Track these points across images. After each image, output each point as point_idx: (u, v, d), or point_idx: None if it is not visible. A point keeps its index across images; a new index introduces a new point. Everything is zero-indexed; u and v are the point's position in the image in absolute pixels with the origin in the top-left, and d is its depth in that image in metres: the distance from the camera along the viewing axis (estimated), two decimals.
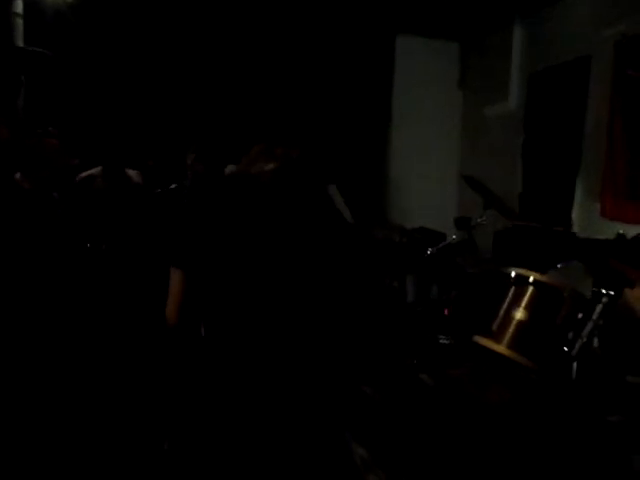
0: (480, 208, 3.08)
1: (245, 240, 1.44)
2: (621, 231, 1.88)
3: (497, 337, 2.13)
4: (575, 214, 3.85)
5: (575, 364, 1.95)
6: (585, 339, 1.84)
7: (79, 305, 2.45)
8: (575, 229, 3.81)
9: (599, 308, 1.81)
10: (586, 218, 3.76)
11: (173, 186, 2.96)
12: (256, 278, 1.43)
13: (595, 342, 1.85)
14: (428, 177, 4.83)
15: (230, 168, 2.59)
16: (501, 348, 2.10)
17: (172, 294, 1.50)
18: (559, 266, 3.17)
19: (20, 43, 3.76)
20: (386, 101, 4.93)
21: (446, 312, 3.36)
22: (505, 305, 2.17)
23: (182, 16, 4.25)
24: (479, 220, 3.03)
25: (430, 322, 3.29)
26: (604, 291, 1.82)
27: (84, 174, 3.12)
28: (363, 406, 2.48)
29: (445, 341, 3.03)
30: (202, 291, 1.49)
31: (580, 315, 1.94)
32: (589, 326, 1.81)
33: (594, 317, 1.81)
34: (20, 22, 3.82)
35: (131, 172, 3.21)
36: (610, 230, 2.40)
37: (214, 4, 4.18)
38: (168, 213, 2.60)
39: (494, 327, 2.15)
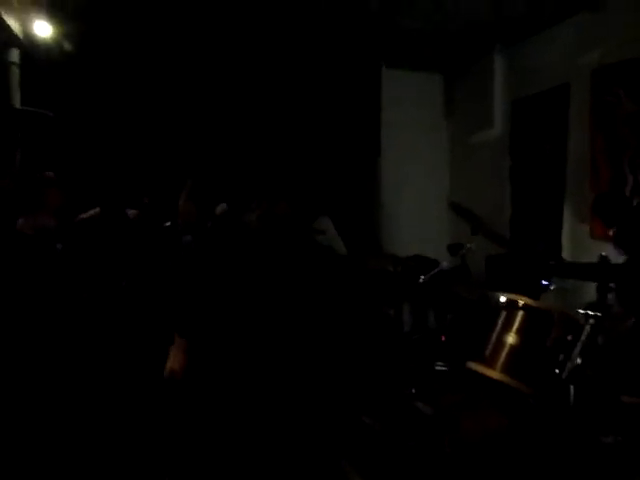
0: (468, 234, 3.14)
1: (243, 290, 1.47)
2: (604, 253, 1.92)
3: (490, 362, 2.15)
4: (565, 237, 3.91)
5: (572, 387, 1.97)
6: (575, 361, 1.86)
7: (81, 352, 2.45)
8: (565, 252, 3.87)
9: (587, 330, 1.84)
10: (576, 240, 3.81)
11: (168, 224, 3.00)
12: (258, 330, 1.46)
13: (584, 363, 1.87)
14: (419, 205, 4.91)
15: (221, 207, 2.64)
16: (494, 373, 2.11)
17: (176, 357, 1.53)
18: (551, 288, 3.21)
19: (16, 92, 3.84)
20: (374, 132, 5.04)
21: (443, 339, 3.38)
22: (497, 330, 2.19)
23: (171, 59, 4.37)
24: (468, 246, 3.08)
25: (427, 350, 3.30)
26: (591, 313, 1.85)
27: (82, 216, 3.14)
28: (362, 436, 2.47)
29: (442, 368, 3.03)
30: (206, 353, 1.51)
31: (570, 337, 1.96)
32: (578, 347, 1.84)
33: (582, 338, 1.84)
34: (16, 71, 3.92)
35: (130, 212, 3.24)
36: (601, 251, 2.44)
37: (201, 48, 4.31)
38: (163, 254, 2.62)
39: (487, 352, 2.17)
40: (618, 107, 3.42)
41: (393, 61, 4.87)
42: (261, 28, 4.02)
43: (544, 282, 3.04)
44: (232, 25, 3.99)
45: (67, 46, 3.83)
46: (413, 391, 2.80)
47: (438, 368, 3.01)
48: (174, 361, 1.52)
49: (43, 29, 3.75)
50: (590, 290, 2.28)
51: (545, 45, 4.08)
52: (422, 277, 3.27)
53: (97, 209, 3.16)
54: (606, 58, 3.52)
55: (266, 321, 1.45)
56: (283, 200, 1.59)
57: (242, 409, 1.45)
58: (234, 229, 1.57)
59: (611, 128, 3.48)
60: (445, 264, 3.35)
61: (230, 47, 4.34)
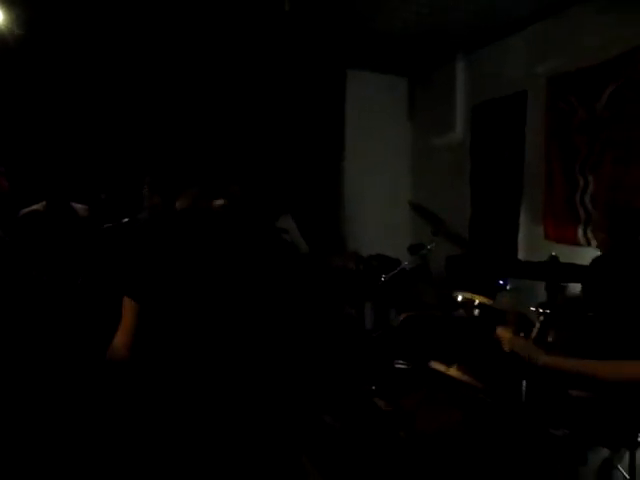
0: (429, 234, 3.20)
1: (197, 270, 1.46)
2: (554, 253, 2.00)
3: (448, 360, 2.21)
4: (521, 237, 4.04)
5: (524, 382, 2.04)
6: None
7: (22, 344, 2.37)
8: (521, 252, 4.00)
9: (537, 326, 1.91)
10: (531, 241, 3.95)
11: (125, 220, 2.94)
12: (208, 307, 1.45)
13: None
14: (382, 206, 4.97)
15: (180, 203, 2.61)
16: (452, 370, 2.17)
17: (124, 326, 1.50)
18: (508, 288, 3.31)
19: None
20: (339, 133, 5.08)
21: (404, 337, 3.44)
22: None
23: (128, 47, 4.27)
24: (429, 247, 3.14)
25: (387, 348, 3.35)
26: (541, 310, 1.93)
27: (27, 209, 3.05)
28: (322, 434, 2.49)
29: (402, 366, 3.09)
30: (154, 323, 1.49)
31: (522, 334, 2.04)
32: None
33: (533, 335, 1.91)
34: None
35: (78, 207, 3.15)
36: (557, 252, 2.53)
37: (168, 41, 4.24)
38: (118, 247, 2.57)
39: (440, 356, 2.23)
40: (572, 114, 3.56)
41: (359, 63, 4.92)
42: (223, 27, 3.99)
43: (500, 282, 3.14)
44: (195, 24, 3.94)
45: (20, 32, 3.69)
46: (373, 388, 2.84)
47: (398, 366, 3.06)
48: (118, 337, 1.48)
49: None
50: (542, 289, 2.37)
51: (504, 53, 4.21)
52: (384, 276, 3.32)
53: (43, 202, 3.06)
54: (561, 67, 3.66)
55: (217, 308, 1.44)
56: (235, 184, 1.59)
57: (195, 404, 1.43)
58: (194, 213, 1.56)
59: (565, 134, 3.62)
60: (406, 264, 3.41)
61: (193, 45, 4.29)
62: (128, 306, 1.51)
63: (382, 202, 4.99)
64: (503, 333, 1.94)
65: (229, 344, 1.45)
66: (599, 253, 2.33)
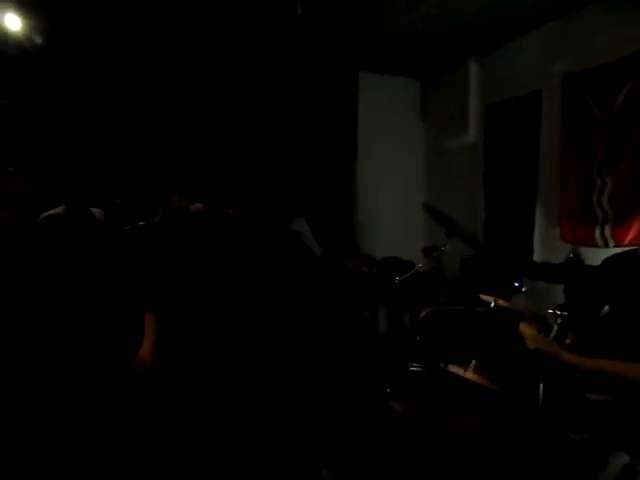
0: (443, 236, 3.18)
1: (213, 276, 1.46)
2: (571, 255, 1.97)
3: (464, 363, 2.18)
4: (536, 239, 4.00)
5: (541, 385, 2.01)
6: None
7: (38, 349, 2.40)
8: (536, 254, 3.96)
9: (555, 329, 1.88)
10: (547, 242, 3.90)
11: (141, 223, 2.97)
12: (225, 311, 1.45)
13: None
14: (395, 208, 4.95)
15: (196, 206, 2.62)
16: (468, 373, 2.15)
17: (148, 338, 1.51)
18: (524, 290, 3.27)
19: None
20: (352, 136, 5.08)
21: (418, 339, 3.42)
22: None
23: (143, 54, 4.32)
24: (443, 249, 3.12)
25: (402, 350, 3.33)
26: (559, 312, 1.90)
27: (46, 213, 3.09)
28: (338, 435, 2.47)
29: (417, 369, 3.06)
30: (176, 333, 1.49)
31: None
32: None
33: (550, 337, 1.88)
34: None
35: (94, 210, 3.19)
36: (570, 253, 2.50)
37: (183, 47, 4.28)
38: (135, 251, 2.59)
39: (461, 353, 2.21)
40: (587, 113, 3.52)
41: (371, 66, 4.92)
42: (236, 31, 4.02)
43: (516, 283, 3.10)
44: (208, 27, 3.97)
45: (38, 40, 3.76)
46: (388, 391, 2.82)
47: (413, 368, 3.04)
48: (144, 348, 1.49)
49: (13, 22, 3.68)
50: (559, 291, 2.34)
51: (518, 53, 4.18)
52: (397, 278, 3.30)
53: (62, 206, 3.10)
54: (576, 66, 3.62)
55: (235, 314, 1.44)
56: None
57: (214, 411, 1.43)
58: (213, 217, 1.57)
59: (580, 134, 3.57)
60: (420, 266, 3.40)
61: (206, 49, 4.32)
62: (151, 316, 1.52)
63: (395, 204, 4.97)
64: (526, 329, 1.90)
65: (244, 348, 1.45)
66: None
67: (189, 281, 1.45)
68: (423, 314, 2.78)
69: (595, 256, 2.97)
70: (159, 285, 1.50)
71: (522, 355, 1.95)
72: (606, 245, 3.31)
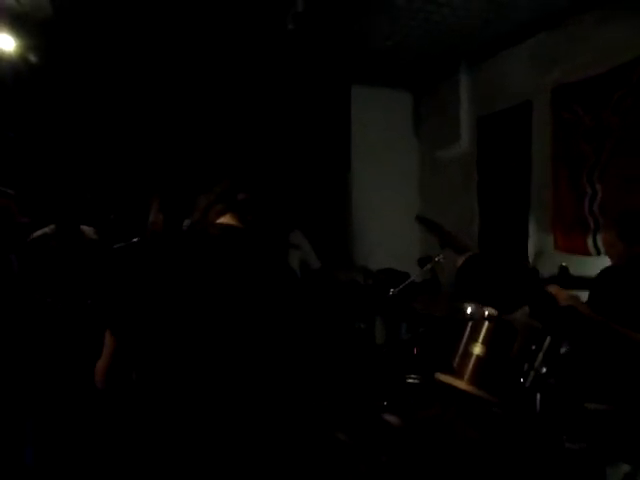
0: (438, 247, 3.19)
1: (186, 299, 1.41)
2: (564, 264, 1.98)
3: (458, 373, 2.17)
4: (530, 248, 4.01)
5: (538, 395, 2.00)
6: (540, 369, 1.89)
7: (31, 367, 2.38)
8: (531, 263, 3.96)
9: (549, 339, 1.88)
10: (541, 252, 3.91)
11: (135, 239, 2.95)
12: (201, 333, 1.40)
13: (549, 371, 1.91)
14: (389, 219, 4.96)
15: (187, 223, 2.61)
16: (462, 384, 2.13)
17: (104, 356, 1.49)
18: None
19: None
20: (345, 148, 5.11)
21: (415, 351, 3.40)
22: (464, 341, 2.22)
23: (138, 74, 4.35)
24: (436, 259, 3.13)
25: (399, 362, 3.31)
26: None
27: (36, 233, 3.07)
28: (337, 452, 2.45)
29: (414, 381, 3.04)
30: (135, 354, 1.46)
31: (534, 347, 2.00)
32: (541, 356, 1.88)
33: (545, 347, 1.88)
34: None
35: (86, 228, 3.18)
36: (567, 262, 2.50)
37: (172, 69, 4.31)
38: (126, 268, 2.57)
39: (455, 363, 2.19)
40: (577, 123, 3.56)
41: (363, 78, 4.96)
42: (227, 46, 4.05)
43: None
44: (199, 44, 4.01)
45: (32, 59, 3.78)
46: (385, 404, 2.80)
47: (410, 381, 3.02)
48: (100, 364, 1.47)
49: (7, 42, 3.70)
50: None
51: (508, 64, 4.23)
52: (392, 290, 3.30)
53: (52, 226, 3.09)
54: (565, 77, 3.67)
55: (213, 332, 1.41)
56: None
57: (201, 425, 1.40)
58: (192, 236, 1.55)
59: (571, 143, 3.61)
60: (415, 276, 3.39)
61: (198, 65, 4.36)
62: (108, 337, 1.50)
63: (389, 215, 4.98)
64: (557, 290, 1.93)
65: (234, 360, 1.43)
66: (610, 263, 2.30)
67: (154, 309, 1.42)
68: (462, 259, 2.74)
69: (588, 266, 2.99)
70: (116, 303, 1.48)
71: (551, 312, 1.93)
72: (598, 253, 3.32)
